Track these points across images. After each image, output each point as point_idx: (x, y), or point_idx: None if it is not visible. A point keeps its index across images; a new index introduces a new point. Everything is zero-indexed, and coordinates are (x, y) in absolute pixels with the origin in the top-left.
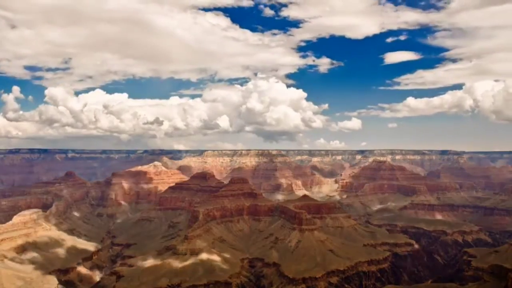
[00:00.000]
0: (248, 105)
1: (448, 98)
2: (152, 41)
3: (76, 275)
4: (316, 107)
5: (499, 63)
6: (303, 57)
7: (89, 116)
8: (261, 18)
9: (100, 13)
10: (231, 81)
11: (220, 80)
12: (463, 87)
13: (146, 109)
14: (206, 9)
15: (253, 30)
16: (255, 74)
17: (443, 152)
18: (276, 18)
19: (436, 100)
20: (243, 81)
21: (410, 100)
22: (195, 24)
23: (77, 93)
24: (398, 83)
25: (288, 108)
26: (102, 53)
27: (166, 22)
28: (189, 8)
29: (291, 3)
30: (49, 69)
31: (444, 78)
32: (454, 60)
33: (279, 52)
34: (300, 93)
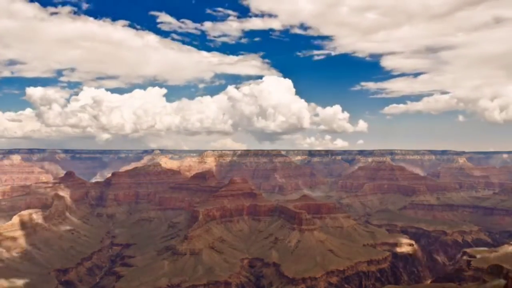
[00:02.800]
0: (245, 105)
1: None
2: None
3: (76, 275)
4: (310, 107)
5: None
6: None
7: (86, 116)
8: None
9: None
10: (222, 86)
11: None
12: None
13: (142, 110)
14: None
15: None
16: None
17: (443, 152)
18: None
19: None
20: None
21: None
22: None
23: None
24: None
25: (284, 108)
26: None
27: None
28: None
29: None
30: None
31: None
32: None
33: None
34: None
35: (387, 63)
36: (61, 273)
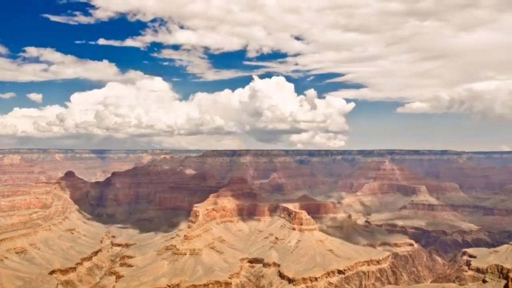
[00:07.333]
0: (244, 105)
1: None
2: None
3: (75, 275)
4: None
5: None
6: None
7: (86, 116)
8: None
9: None
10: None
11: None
12: None
13: (142, 109)
14: None
15: None
16: None
17: (443, 152)
18: None
19: None
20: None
21: None
22: None
23: None
24: None
25: (282, 107)
26: None
27: None
28: None
29: None
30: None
31: None
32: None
33: None
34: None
35: None
36: (61, 273)
